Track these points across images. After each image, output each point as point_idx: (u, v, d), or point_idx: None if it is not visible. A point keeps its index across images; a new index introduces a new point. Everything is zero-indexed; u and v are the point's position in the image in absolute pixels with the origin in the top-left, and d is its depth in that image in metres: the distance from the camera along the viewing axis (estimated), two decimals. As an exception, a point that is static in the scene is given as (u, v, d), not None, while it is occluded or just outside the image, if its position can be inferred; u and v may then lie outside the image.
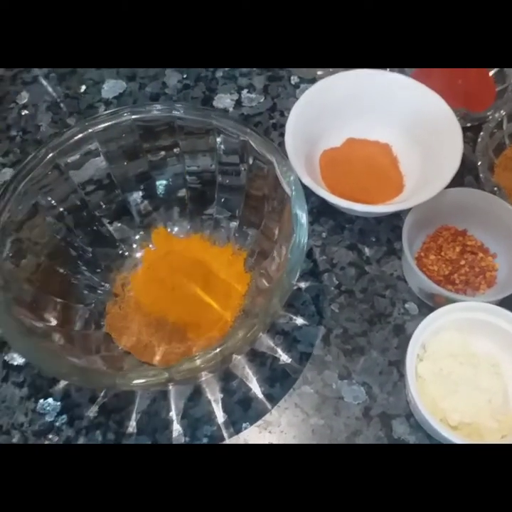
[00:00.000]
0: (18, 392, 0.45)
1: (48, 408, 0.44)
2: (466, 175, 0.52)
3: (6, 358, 0.47)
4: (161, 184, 0.50)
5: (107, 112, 0.45)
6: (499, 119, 0.49)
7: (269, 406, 0.43)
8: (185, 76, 0.63)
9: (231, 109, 0.60)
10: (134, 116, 0.45)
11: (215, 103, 0.61)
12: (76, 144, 0.44)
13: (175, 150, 0.47)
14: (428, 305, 0.46)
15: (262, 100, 0.60)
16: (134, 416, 0.44)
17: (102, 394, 0.44)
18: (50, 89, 0.63)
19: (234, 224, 0.50)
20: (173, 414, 0.43)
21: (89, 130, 0.44)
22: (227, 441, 0.42)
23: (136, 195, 0.49)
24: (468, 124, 0.53)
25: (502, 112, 0.49)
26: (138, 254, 0.50)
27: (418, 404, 0.38)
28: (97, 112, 0.61)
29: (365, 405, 0.43)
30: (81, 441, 0.43)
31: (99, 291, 0.48)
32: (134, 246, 0.50)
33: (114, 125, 0.45)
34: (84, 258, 0.47)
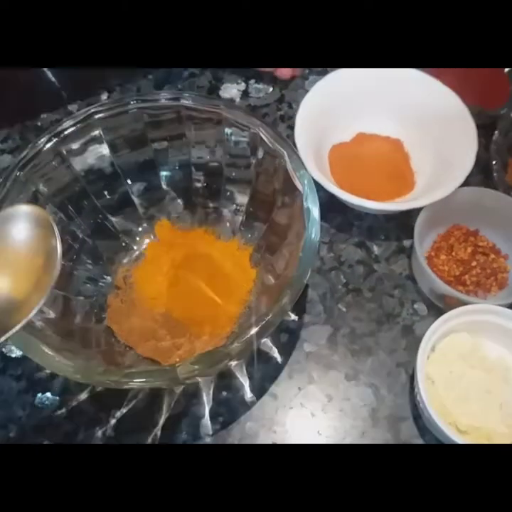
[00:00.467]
0: (16, 385, 0.44)
1: (46, 402, 0.43)
2: (478, 173, 0.51)
3: (3, 350, 0.45)
4: (165, 175, 0.48)
5: (112, 99, 0.44)
6: (514, 118, 0.48)
7: (274, 405, 0.43)
8: (191, 64, 0.61)
9: (238, 100, 0.59)
10: (140, 105, 0.44)
11: (221, 93, 0.59)
12: (79, 132, 0.43)
13: (181, 140, 0.46)
14: (437, 306, 0.46)
15: (269, 91, 0.59)
16: (134, 413, 0.43)
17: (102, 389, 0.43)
18: (50, 75, 0.61)
19: (240, 218, 0.48)
20: (175, 412, 0.42)
21: (94, 118, 0.43)
22: (231, 440, 0.41)
23: (140, 186, 0.48)
24: (482, 122, 0.51)
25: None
26: (141, 247, 0.49)
27: (427, 407, 0.37)
28: (100, 99, 0.59)
29: (373, 407, 0.42)
30: (80, 436, 0.42)
31: (100, 284, 0.46)
32: (137, 238, 0.49)
33: (120, 113, 0.44)
34: (86, 249, 0.46)
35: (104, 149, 0.45)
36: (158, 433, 0.42)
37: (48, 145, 0.41)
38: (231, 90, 0.59)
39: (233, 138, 0.44)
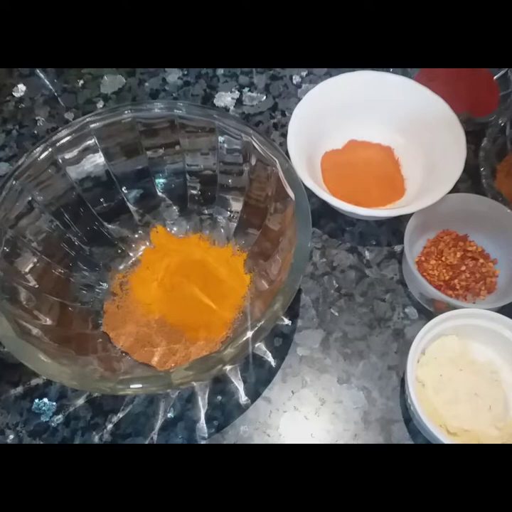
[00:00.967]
0: (13, 391, 0.45)
1: (43, 408, 0.44)
2: (467, 179, 0.52)
3: (0, 356, 0.46)
4: (160, 182, 0.49)
5: (107, 108, 0.45)
6: (502, 125, 0.49)
7: (267, 409, 0.43)
8: (185, 73, 0.62)
9: (232, 108, 0.59)
10: (135, 114, 0.44)
11: (215, 101, 0.60)
12: (74, 141, 0.44)
13: (176, 148, 0.47)
14: (428, 310, 0.46)
15: (263, 99, 0.60)
16: (130, 417, 0.43)
17: (98, 394, 0.44)
18: (47, 82, 0.62)
19: (234, 224, 0.49)
20: (170, 415, 0.43)
21: (89, 127, 0.44)
22: (225, 444, 0.42)
23: (136, 193, 0.49)
24: (471, 129, 0.52)
25: (505, 117, 0.49)
26: (136, 254, 0.49)
27: (418, 410, 0.38)
28: (96, 107, 0.60)
29: (365, 410, 0.43)
30: (77, 442, 0.42)
31: (96, 290, 0.47)
32: (133, 245, 0.50)
33: (114, 122, 0.44)
34: (82, 256, 0.47)
35: (100, 158, 0.45)
36: (155, 437, 0.42)
37: (44, 154, 0.42)
38: (225, 98, 0.60)
39: (226, 146, 0.45)
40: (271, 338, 0.46)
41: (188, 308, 0.47)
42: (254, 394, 0.44)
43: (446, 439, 0.37)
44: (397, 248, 0.50)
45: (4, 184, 0.41)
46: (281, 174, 0.41)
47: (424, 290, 0.44)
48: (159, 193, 0.49)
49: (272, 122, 0.58)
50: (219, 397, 0.44)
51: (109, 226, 0.48)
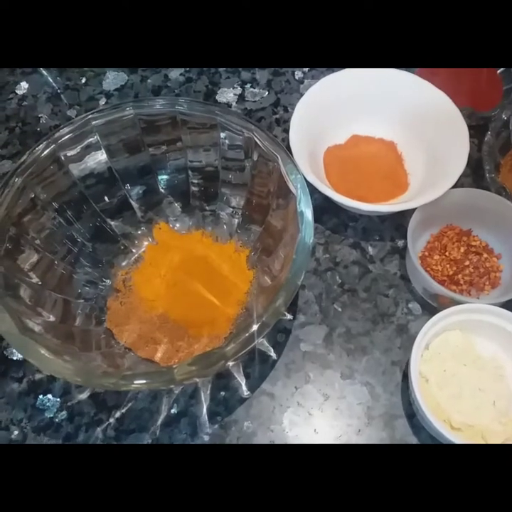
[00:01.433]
0: (18, 387, 0.45)
1: (47, 404, 0.44)
2: (470, 174, 0.52)
3: (4, 352, 0.46)
4: (163, 179, 0.49)
5: (109, 105, 0.45)
6: (505, 119, 0.49)
7: (271, 404, 0.43)
8: (187, 69, 0.62)
9: (234, 104, 0.59)
10: (136, 111, 0.44)
11: (217, 97, 0.60)
12: (77, 138, 0.44)
13: (177, 144, 0.47)
14: (431, 305, 0.46)
15: (265, 95, 0.60)
16: (134, 413, 0.43)
17: (102, 390, 0.44)
18: (50, 80, 0.62)
19: (236, 220, 0.49)
20: (174, 411, 0.43)
21: (91, 124, 0.44)
22: (229, 439, 0.42)
23: (138, 190, 0.49)
24: (474, 123, 0.52)
25: (508, 111, 0.49)
26: (139, 250, 0.49)
27: (421, 405, 0.38)
28: (98, 104, 0.60)
29: (368, 405, 0.43)
30: (81, 437, 0.43)
31: (100, 287, 0.47)
32: (136, 241, 0.50)
33: (116, 119, 0.45)
34: (85, 253, 0.47)
35: (102, 154, 0.45)
36: (158, 432, 0.42)
37: (46, 151, 0.42)
38: (227, 94, 0.60)
39: (228, 142, 0.45)
40: (274, 333, 0.46)
41: (191, 304, 0.47)
42: (257, 389, 0.44)
43: (449, 435, 0.37)
44: (401, 243, 0.50)
45: (7, 181, 0.41)
46: (283, 170, 0.41)
47: (427, 285, 0.44)
48: (162, 190, 0.49)
49: (274, 118, 0.58)
50: (222, 393, 0.44)
51: (112, 223, 0.48)
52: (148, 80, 0.61)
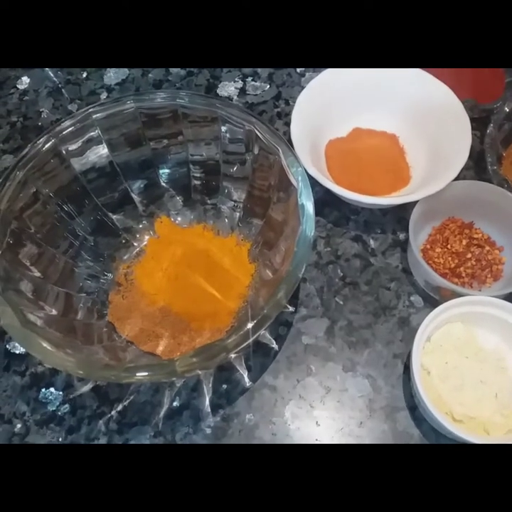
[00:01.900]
0: (20, 381, 0.45)
1: (50, 397, 0.44)
2: (472, 166, 0.51)
3: (7, 346, 0.46)
4: (164, 173, 0.49)
5: (110, 99, 0.45)
6: (508, 111, 0.49)
7: (273, 397, 0.43)
8: (188, 63, 0.62)
9: (235, 97, 0.59)
10: (137, 104, 0.44)
11: (219, 91, 0.60)
12: (78, 132, 0.44)
13: (179, 138, 0.47)
14: (433, 298, 0.46)
15: (266, 88, 0.59)
16: (136, 406, 0.43)
17: (104, 383, 0.44)
18: (51, 74, 0.62)
19: (238, 214, 0.49)
20: (176, 404, 0.43)
21: (92, 117, 0.44)
22: (231, 432, 0.42)
23: (140, 184, 0.49)
24: (476, 116, 0.52)
25: (511, 103, 0.49)
26: (141, 244, 0.50)
27: (423, 397, 0.38)
28: (99, 98, 0.60)
29: (370, 398, 0.43)
30: (83, 430, 0.43)
31: (101, 281, 0.47)
32: (137, 235, 0.50)
33: (117, 113, 0.44)
34: (87, 247, 0.47)
35: (103, 148, 0.45)
36: (160, 425, 0.42)
37: (47, 145, 0.42)
38: (229, 88, 0.60)
39: (229, 135, 0.45)
40: (276, 326, 0.46)
41: (192, 297, 0.47)
42: (259, 382, 0.44)
43: (451, 427, 0.37)
44: (402, 236, 0.50)
45: (8, 175, 0.41)
46: (284, 163, 0.41)
47: (429, 278, 0.44)
48: (163, 184, 0.49)
49: (276, 111, 0.58)
50: (224, 386, 0.44)
51: (114, 217, 0.48)
52: (150, 74, 0.61)
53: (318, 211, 0.51)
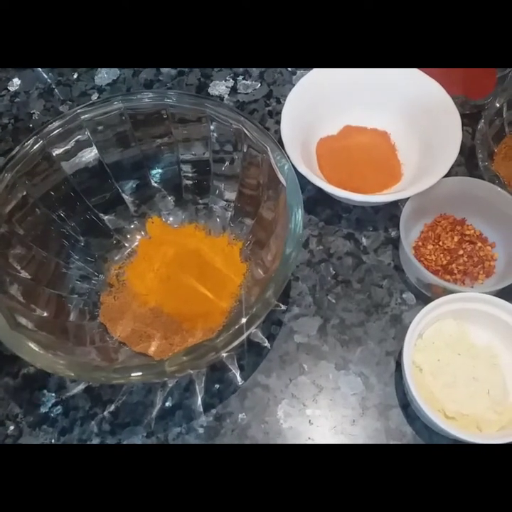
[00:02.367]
0: (13, 382, 0.45)
1: (42, 399, 0.44)
2: (463, 163, 0.51)
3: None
4: (155, 173, 0.49)
5: (98, 100, 0.45)
6: (499, 107, 0.48)
7: (265, 396, 0.43)
8: (179, 62, 0.61)
9: (226, 96, 0.59)
10: (125, 105, 0.44)
11: (210, 90, 0.60)
12: (66, 133, 0.44)
13: (168, 138, 0.47)
14: (426, 295, 0.46)
15: (257, 87, 0.59)
16: (129, 406, 0.43)
17: (96, 385, 0.44)
18: (42, 75, 0.62)
19: (229, 213, 0.49)
20: (168, 404, 0.43)
21: (80, 118, 0.44)
22: (224, 431, 0.42)
23: (131, 184, 0.49)
24: (467, 112, 0.52)
25: (502, 99, 0.48)
26: (132, 244, 0.49)
27: (415, 395, 0.38)
28: (90, 99, 0.60)
29: (362, 396, 0.43)
30: (76, 431, 0.43)
31: (93, 282, 0.47)
32: (129, 236, 0.50)
33: (105, 113, 0.44)
34: (78, 248, 0.47)
35: (93, 149, 0.45)
36: (152, 425, 0.42)
37: (36, 146, 0.42)
38: (220, 87, 0.60)
39: (217, 134, 0.45)
40: (268, 325, 0.46)
41: (184, 298, 0.47)
42: (251, 381, 0.44)
43: (444, 424, 0.37)
44: (394, 234, 0.50)
45: (-4, 178, 0.41)
46: (272, 161, 0.41)
47: (421, 275, 0.44)
48: (154, 184, 0.49)
49: (267, 110, 0.58)
50: (217, 386, 0.44)
51: (105, 217, 0.48)
52: (141, 74, 0.61)
53: (310, 209, 0.51)
